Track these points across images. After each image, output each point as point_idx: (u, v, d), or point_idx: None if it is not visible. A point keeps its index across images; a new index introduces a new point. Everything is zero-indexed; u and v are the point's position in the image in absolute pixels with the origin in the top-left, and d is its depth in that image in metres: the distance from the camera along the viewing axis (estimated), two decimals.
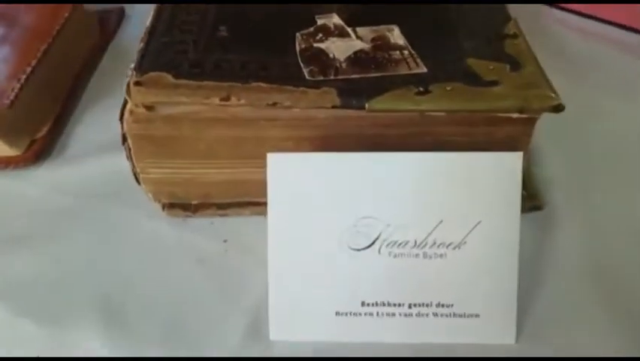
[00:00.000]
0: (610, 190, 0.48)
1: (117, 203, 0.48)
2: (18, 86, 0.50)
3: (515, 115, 0.40)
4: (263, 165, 0.38)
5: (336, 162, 0.38)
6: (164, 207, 0.47)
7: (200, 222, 0.47)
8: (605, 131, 0.52)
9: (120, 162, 0.46)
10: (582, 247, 0.44)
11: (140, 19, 0.43)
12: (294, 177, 0.38)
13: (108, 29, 0.65)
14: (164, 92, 0.39)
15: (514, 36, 0.45)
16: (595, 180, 0.48)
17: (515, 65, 0.42)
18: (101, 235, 0.46)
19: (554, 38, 0.45)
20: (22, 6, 0.57)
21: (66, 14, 0.57)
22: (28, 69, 0.52)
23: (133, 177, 0.45)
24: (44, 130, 0.54)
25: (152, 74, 0.40)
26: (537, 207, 0.46)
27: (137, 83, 0.40)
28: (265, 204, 0.39)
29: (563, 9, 0.65)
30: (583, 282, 0.42)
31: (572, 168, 0.49)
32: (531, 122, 0.42)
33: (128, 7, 0.68)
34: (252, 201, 0.46)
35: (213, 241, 0.46)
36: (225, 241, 0.46)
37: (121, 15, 0.68)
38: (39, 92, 0.53)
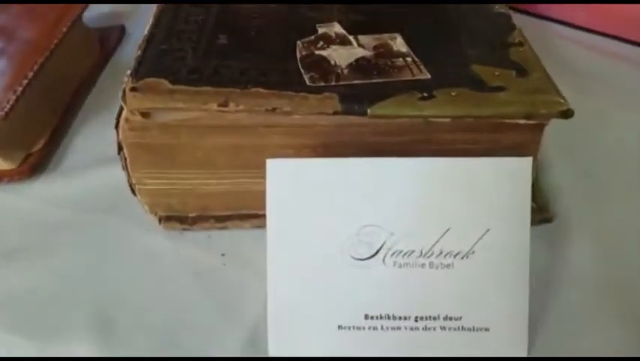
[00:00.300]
0: (620, 201, 0.46)
1: (113, 217, 0.47)
2: (14, 97, 0.49)
3: (522, 121, 0.39)
4: (262, 176, 0.37)
5: (338, 168, 0.37)
6: (160, 220, 0.46)
7: (197, 236, 0.45)
8: (613, 142, 0.51)
9: (117, 176, 0.45)
10: (594, 259, 0.43)
11: (141, 37, 0.43)
12: (294, 183, 0.37)
13: (108, 47, 0.65)
14: (161, 98, 0.38)
15: (520, 44, 0.44)
16: (604, 192, 0.47)
17: (521, 71, 0.41)
18: (96, 249, 0.45)
19: (558, 52, 0.44)
20: (21, 21, 0.56)
21: (64, 29, 0.56)
22: (25, 81, 0.51)
23: (129, 190, 0.44)
24: (41, 143, 0.53)
25: (148, 79, 0.39)
26: (547, 220, 0.45)
27: (133, 89, 0.39)
28: (265, 216, 0.37)
29: (564, 23, 0.64)
30: (596, 295, 0.41)
31: (580, 180, 0.48)
32: (539, 129, 0.41)
33: (128, 25, 0.67)
34: (251, 213, 0.45)
35: (211, 254, 0.44)
36: (223, 255, 0.44)
37: (121, 33, 0.67)
38: (36, 106, 0.52)
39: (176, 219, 0.45)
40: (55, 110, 0.56)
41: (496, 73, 0.40)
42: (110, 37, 0.66)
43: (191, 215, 0.45)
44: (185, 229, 0.46)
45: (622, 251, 0.43)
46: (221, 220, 0.45)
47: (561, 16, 0.65)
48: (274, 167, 0.37)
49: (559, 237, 0.44)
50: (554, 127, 0.41)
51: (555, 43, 0.61)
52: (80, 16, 0.59)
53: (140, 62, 0.41)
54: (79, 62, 0.60)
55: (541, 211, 0.45)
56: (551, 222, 0.45)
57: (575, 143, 0.50)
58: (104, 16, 0.68)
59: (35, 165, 0.51)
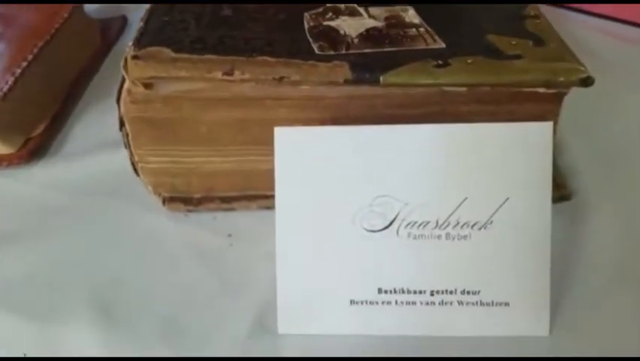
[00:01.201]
0: (637, 180, 0.45)
1: (115, 200, 0.46)
2: (12, 79, 0.48)
3: (541, 90, 0.37)
4: (269, 153, 0.36)
5: (350, 136, 0.35)
6: (164, 201, 0.44)
7: (202, 217, 0.44)
8: (628, 124, 0.50)
9: (118, 161, 0.44)
10: (615, 237, 0.41)
11: None
12: (304, 152, 0.35)
13: (110, 36, 0.63)
14: (163, 67, 0.37)
15: (536, 17, 0.42)
16: (621, 171, 0.46)
17: (539, 41, 0.39)
18: (98, 232, 0.43)
19: (571, 35, 0.42)
20: (22, 7, 0.55)
21: (65, 14, 0.55)
22: (24, 64, 0.50)
23: (132, 170, 0.43)
24: (40, 128, 0.51)
25: (150, 48, 0.38)
26: (565, 197, 0.43)
27: (135, 57, 0.37)
28: (273, 197, 0.36)
29: (578, 10, 0.63)
30: (618, 272, 0.39)
31: (597, 160, 0.46)
32: (558, 98, 0.39)
33: (130, 15, 0.66)
34: (258, 194, 0.43)
35: (217, 235, 0.42)
36: (230, 236, 0.42)
37: (123, 23, 0.66)
38: (35, 90, 0.51)
39: (181, 200, 0.44)
40: (56, 96, 0.54)
41: (513, 42, 0.39)
42: (112, 27, 0.65)
43: (195, 196, 0.44)
44: (189, 211, 0.44)
45: None
46: (227, 201, 0.44)
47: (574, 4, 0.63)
48: (283, 136, 0.35)
49: (577, 215, 0.43)
50: (569, 108, 0.40)
51: (568, 27, 0.59)
52: (80, 4, 0.57)
53: (143, 32, 0.40)
54: (80, 50, 0.59)
55: (560, 188, 0.43)
56: (570, 200, 0.43)
57: (590, 124, 0.49)
58: (106, 7, 0.66)
59: (35, 150, 0.50)
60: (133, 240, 0.43)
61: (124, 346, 0.36)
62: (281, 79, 0.37)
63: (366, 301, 0.35)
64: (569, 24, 0.60)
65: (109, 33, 0.64)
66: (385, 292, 0.35)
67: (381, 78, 0.36)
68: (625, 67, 0.55)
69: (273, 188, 0.36)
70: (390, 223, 0.35)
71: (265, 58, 0.37)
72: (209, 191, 0.43)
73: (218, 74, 0.37)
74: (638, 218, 0.42)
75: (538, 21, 0.42)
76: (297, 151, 0.35)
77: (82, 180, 0.48)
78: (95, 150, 0.50)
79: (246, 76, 0.37)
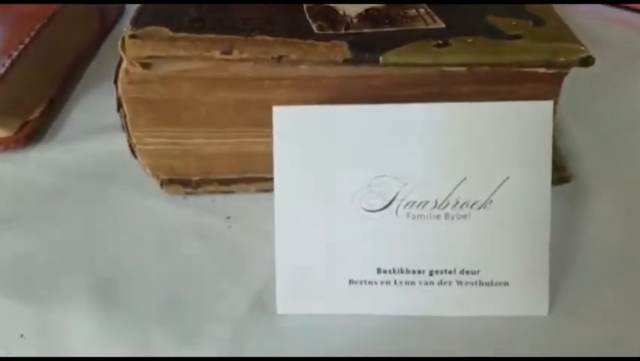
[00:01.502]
0: (637, 164, 0.45)
1: (112, 183, 0.45)
2: (9, 61, 0.48)
3: (542, 70, 0.37)
4: (268, 135, 0.35)
5: (349, 116, 0.35)
6: (162, 183, 0.44)
7: (201, 200, 0.43)
8: (627, 107, 0.50)
9: (117, 145, 0.44)
10: (614, 220, 0.41)
11: None
12: (303, 131, 0.35)
13: (108, 21, 0.63)
14: (161, 46, 0.37)
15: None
16: (621, 154, 0.46)
17: (539, 21, 0.39)
18: (95, 215, 0.43)
19: (571, 22, 0.42)
20: None
21: None
22: (21, 46, 0.49)
23: (129, 153, 0.42)
24: (37, 112, 0.51)
25: (149, 28, 0.37)
26: (565, 179, 0.43)
27: (132, 36, 0.37)
28: (272, 180, 0.36)
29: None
30: (618, 255, 0.39)
31: (598, 143, 0.46)
32: (558, 79, 0.39)
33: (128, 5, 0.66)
34: (257, 177, 0.43)
35: (215, 217, 0.42)
36: (229, 218, 0.42)
37: (121, 9, 0.66)
38: (32, 73, 0.51)
39: (179, 182, 0.44)
40: (53, 79, 0.54)
41: (513, 23, 0.39)
42: (110, 13, 0.65)
43: (194, 178, 0.43)
44: (188, 193, 0.44)
45: None
46: (226, 184, 0.43)
47: None
48: (282, 115, 0.35)
49: (577, 198, 0.42)
50: (569, 92, 0.40)
51: (566, 12, 0.59)
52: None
53: (141, 12, 0.39)
54: (78, 34, 0.58)
55: (559, 171, 0.43)
56: (569, 182, 0.43)
57: (591, 108, 0.49)
58: None
59: (32, 133, 0.49)
60: (131, 223, 0.42)
61: (122, 327, 0.36)
62: (280, 58, 0.36)
63: (365, 281, 0.35)
64: (569, 7, 0.60)
65: (107, 18, 0.64)
66: (384, 272, 0.35)
67: (380, 58, 0.36)
68: (626, 52, 0.55)
69: (271, 171, 0.35)
70: (389, 203, 0.34)
71: (264, 37, 0.37)
72: (208, 173, 0.43)
73: (217, 53, 0.36)
74: (639, 202, 0.42)
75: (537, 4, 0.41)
76: (295, 130, 0.35)
77: (79, 163, 0.47)
78: (93, 133, 0.50)
79: (245, 55, 0.36)
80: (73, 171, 0.47)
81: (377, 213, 0.35)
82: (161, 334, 0.35)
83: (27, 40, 0.50)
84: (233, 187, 0.43)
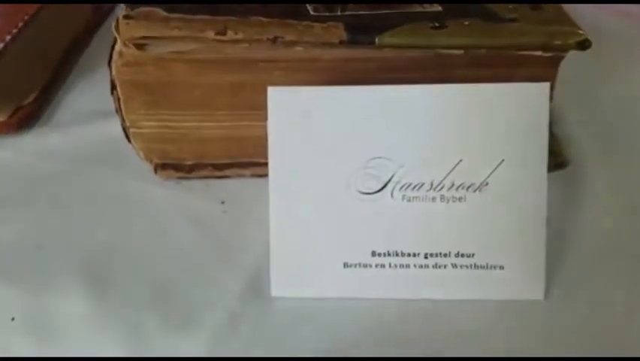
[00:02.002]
0: (634, 151, 0.45)
1: (106, 167, 0.45)
2: (2, 46, 0.47)
3: (538, 53, 0.37)
4: (263, 118, 0.35)
5: (344, 96, 0.34)
6: (156, 168, 0.43)
7: (195, 184, 0.43)
8: (624, 95, 0.50)
9: (111, 130, 0.44)
10: (611, 205, 0.41)
11: None
12: (298, 112, 0.34)
13: (102, 9, 0.62)
14: (156, 26, 0.36)
15: None
16: (618, 140, 0.46)
17: (536, 6, 0.39)
18: (88, 199, 0.42)
19: (569, 10, 0.42)
20: None
21: None
22: (14, 30, 0.49)
23: (123, 138, 0.42)
24: (31, 97, 0.50)
25: (143, 8, 0.37)
26: (561, 165, 0.43)
27: (126, 17, 0.36)
28: (266, 164, 0.36)
29: None
30: (613, 241, 0.39)
31: (594, 129, 0.46)
32: (555, 62, 0.39)
33: None
34: (252, 161, 0.42)
35: (209, 202, 0.42)
36: (223, 203, 0.42)
37: None
38: (26, 58, 0.50)
39: (172, 167, 0.43)
40: (48, 64, 0.53)
41: (510, 6, 0.39)
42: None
43: (187, 163, 0.43)
44: (181, 178, 0.43)
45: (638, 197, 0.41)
46: (220, 168, 0.43)
47: None
48: (276, 95, 0.34)
49: (573, 183, 0.42)
50: (566, 77, 0.40)
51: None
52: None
53: None
54: (73, 19, 0.58)
55: (556, 156, 0.42)
56: (565, 168, 0.43)
57: (587, 94, 0.49)
58: None
59: (25, 119, 0.49)
60: (124, 207, 0.42)
61: (114, 311, 0.36)
62: (275, 39, 0.36)
63: (360, 264, 0.35)
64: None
65: (101, 7, 0.63)
66: (379, 255, 0.35)
67: (376, 39, 0.35)
68: (623, 39, 0.55)
69: (266, 155, 0.35)
70: (385, 185, 0.34)
71: (259, 18, 0.37)
72: (202, 158, 0.43)
73: (211, 34, 0.36)
74: (635, 187, 0.42)
75: None
76: (290, 112, 0.34)
77: (72, 148, 0.47)
78: (87, 118, 0.49)
79: (239, 36, 0.36)
80: (67, 156, 0.47)
81: (372, 195, 0.35)
82: (154, 319, 0.35)
83: (21, 24, 0.50)
84: (227, 172, 0.43)
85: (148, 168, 0.44)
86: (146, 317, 0.35)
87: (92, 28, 0.60)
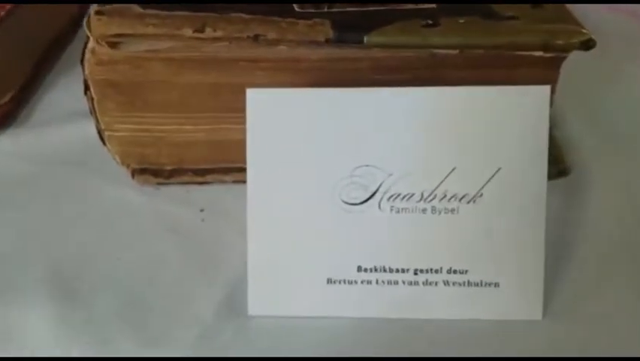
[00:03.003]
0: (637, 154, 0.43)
1: (83, 172, 0.43)
2: None
3: (538, 53, 0.35)
4: (244, 122, 0.33)
5: (329, 100, 0.32)
6: (133, 173, 0.41)
7: (174, 191, 0.41)
8: (629, 96, 0.48)
9: (89, 132, 0.41)
10: (615, 216, 0.39)
11: None
12: (278, 116, 0.32)
13: (85, 7, 0.60)
14: (129, 23, 0.34)
15: None
16: (622, 147, 0.44)
17: (536, 3, 0.36)
18: (63, 205, 0.40)
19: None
20: None
21: None
22: None
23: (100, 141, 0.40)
24: (8, 96, 0.48)
25: (116, 5, 0.35)
26: (563, 172, 0.41)
27: (98, 13, 0.34)
28: None
29: None
30: (618, 255, 0.37)
31: (597, 133, 0.44)
32: (556, 63, 0.37)
33: None
34: (233, 167, 0.40)
35: (189, 209, 0.40)
36: (202, 210, 0.40)
37: None
38: (3, 56, 0.48)
39: (151, 172, 0.41)
40: (26, 63, 0.51)
41: (509, 4, 0.36)
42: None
43: (166, 168, 0.41)
44: (160, 183, 0.41)
45: None
46: (201, 174, 0.41)
47: None
48: (256, 97, 0.32)
49: (575, 191, 0.40)
50: (566, 79, 0.38)
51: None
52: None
53: None
54: (54, 17, 0.56)
55: (557, 163, 0.40)
56: (567, 175, 0.41)
57: (589, 97, 0.47)
58: None
59: (2, 118, 0.47)
60: (99, 214, 0.40)
61: (81, 325, 0.33)
62: (256, 37, 0.34)
63: (345, 281, 0.33)
64: None
65: (84, 5, 0.61)
66: (365, 270, 0.33)
67: (365, 38, 0.34)
68: (624, 39, 0.53)
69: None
70: (372, 195, 0.32)
71: (240, 15, 0.35)
72: (181, 163, 0.41)
73: (189, 31, 0.34)
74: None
75: None
76: (271, 115, 0.32)
77: (49, 150, 0.45)
78: (65, 119, 0.47)
79: (219, 34, 0.34)
80: (43, 158, 0.44)
81: (358, 206, 0.33)
82: (123, 334, 0.33)
83: None
84: (208, 178, 0.41)
85: (126, 172, 0.42)
86: (115, 333, 0.33)
87: (77, 23, 0.57)
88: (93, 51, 0.36)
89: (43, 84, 0.52)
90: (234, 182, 0.41)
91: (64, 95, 0.50)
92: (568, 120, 0.44)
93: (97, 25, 0.34)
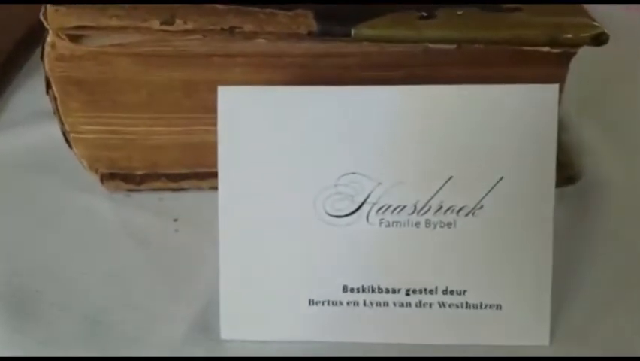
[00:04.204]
0: None
1: (47, 177, 0.40)
2: None
3: (545, 49, 0.32)
4: None
5: (312, 98, 0.30)
6: (102, 178, 0.39)
7: (146, 198, 0.39)
8: (635, 95, 0.46)
9: (55, 135, 0.39)
10: (629, 227, 0.37)
11: None
12: (253, 117, 0.30)
13: None
14: (90, 14, 0.32)
15: None
16: (635, 150, 0.42)
17: None
18: (25, 213, 0.38)
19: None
20: None
21: None
22: None
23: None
24: None
25: None
26: (571, 179, 0.38)
27: (55, 2, 0.31)
28: None
29: None
30: (632, 271, 0.34)
31: (607, 137, 0.42)
32: (564, 61, 0.34)
33: None
34: (210, 172, 0.37)
35: (161, 219, 0.38)
36: (176, 220, 0.38)
37: None
38: None
39: (121, 177, 0.39)
40: None
41: None
42: None
43: (138, 173, 0.38)
44: (131, 190, 0.39)
45: None
46: (175, 180, 0.39)
47: None
48: (228, 95, 0.30)
49: (585, 201, 0.38)
50: (575, 78, 0.35)
51: None
52: None
53: None
54: (21, 18, 0.52)
55: (565, 168, 0.38)
56: (576, 182, 0.39)
57: (600, 98, 0.45)
58: None
59: None
60: (65, 223, 0.38)
61: (36, 347, 0.31)
62: (232, 30, 0.31)
63: (329, 302, 0.31)
64: None
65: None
66: (352, 290, 0.31)
67: (352, 31, 0.31)
68: (635, 36, 0.51)
69: None
70: (359, 207, 0.30)
71: (213, 5, 0.32)
72: (154, 167, 0.38)
73: (156, 24, 0.31)
74: None
75: None
76: (244, 115, 0.30)
77: (13, 153, 0.43)
78: (34, 120, 0.44)
79: (190, 26, 0.31)
80: (6, 162, 0.42)
81: (344, 218, 0.30)
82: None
83: None
84: (183, 184, 0.39)
85: (95, 178, 0.39)
86: (73, 355, 0.31)
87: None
88: (53, 45, 0.34)
89: (13, 83, 0.49)
90: (211, 188, 0.37)
91: (33, 94, 0.47)
92: (576, 123, 0.42)
93: (54, 16, 0.32)
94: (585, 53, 0.33)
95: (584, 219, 0.37)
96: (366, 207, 0.30)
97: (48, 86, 0.35)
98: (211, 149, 0.35)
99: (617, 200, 0.38)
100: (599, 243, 0.35)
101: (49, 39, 0.34)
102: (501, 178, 0.29)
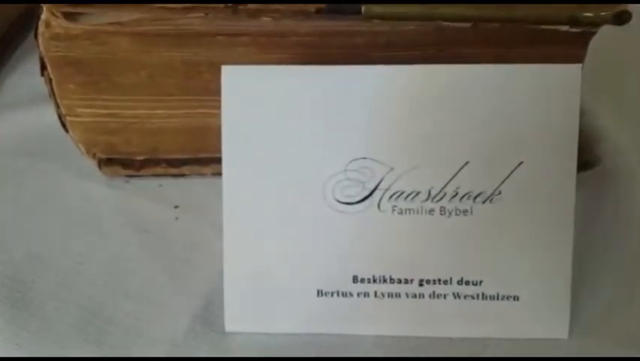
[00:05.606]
0: None
1: (44, 162, 0.40)
2: None
3: (564, 28, 0.31)
4: None
5: (320, 79, 0.29)
6: (100, 164, 0.38)
7: (145, 184, 0.38)
8: None
9: (53, 119, 0.38)
10: None
11: None
12: (259, 98, 0.29)
13: None
14: None
15: None
16: None
17: None
18: (20, 200, 0.38)
19: None
20: None
21: None
22: None
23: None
24: None
25: None
26: (590, 163, 0.38)
27: None
28: None
29: None
30: None
31: (627, 120, 0.41)
32: (583, 40, 0.33)
33: None
34: (212, 157, 0.37)
35: (161, 206, 0.37)
36: (177, 207, 0.37)
37: None
38: None
39: (120, 162, 0.38)
40: None
41: None
42: None
43: (137, 158, 0.38)
44: (130, 176, 0.38)
45: None
46: (176, 165, 0.38)
47: None
48: (232, 75, 0.29)
49: (605, 186, 0.37)
50: (595, 59, 0.34)
51: None
52: None
53: None
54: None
55: (584, 152, 0.37)
56: (595, 167, 0.38)
57: (620, 80, 0.44)
58: None
59: None
60: (61, 210, 0.37)
61: (32, 340, 0.31)
62: (235, 7, 0.31)
63: (338, 293, 0.30)
64: None
65: None
66: (362, 281, 0.30)
67: (363, 8, 0.31)
68: None
69: None
70: (370, 194, 0.29)
71: None
72: (154, 152, 0.38)
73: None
74: None
75: None
76: (250, 96, 0.29)
77: (9, 138, 0.42)
78: (29, 104, 0.44)
79: (192, 3, 0.31)
80: (2, 147, 0.41)
81: (354, 206, 0.29)
82: (79, 352, 0.30)
83: None
84: (184, 169, 0.38)
85: (93, 163, 0.38)
86: (70, 350, 0.30)
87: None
88: (47, 23, 0.33)
89: (7, 65, 0.48)
90: (213, 175, 0.37)
91: (29, 77, 0.47)
92: (595, 106, 0.41)
93: None
94: (602, 34, 0.32)
95: (605, 206, 0.36)
96: (377, 194, 0.29)
97: (43, 67, 0.35)
98: (214, 133, 0.34)
99: (636, 184, 0.37)
100: (620, 230, 0.35)
101: (43, 16, 0.33)
102: (520, 163, 0.29)
